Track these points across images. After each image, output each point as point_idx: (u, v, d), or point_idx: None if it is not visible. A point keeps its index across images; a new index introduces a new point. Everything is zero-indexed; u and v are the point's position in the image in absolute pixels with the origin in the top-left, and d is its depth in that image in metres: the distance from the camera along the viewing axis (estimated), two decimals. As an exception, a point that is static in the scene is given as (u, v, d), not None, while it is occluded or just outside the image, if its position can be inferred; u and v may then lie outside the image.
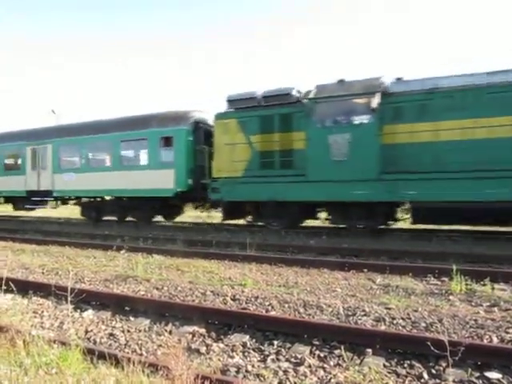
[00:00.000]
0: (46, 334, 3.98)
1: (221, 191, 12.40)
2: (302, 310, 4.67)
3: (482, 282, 5.64)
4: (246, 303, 5.00)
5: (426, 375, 3.19)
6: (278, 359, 3.56)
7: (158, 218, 15.52)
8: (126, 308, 4.98)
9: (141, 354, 3.71)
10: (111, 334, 4.24)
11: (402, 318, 4.30)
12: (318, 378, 3.22)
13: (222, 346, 3.88)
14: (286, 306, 4.83)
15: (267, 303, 4.93)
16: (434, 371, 3.24)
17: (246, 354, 3.71)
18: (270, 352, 3.70)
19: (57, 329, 4.47)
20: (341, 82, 11.08)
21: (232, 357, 3.65)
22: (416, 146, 10.00)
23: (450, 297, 5.19)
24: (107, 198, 15.85)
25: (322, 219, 12.49)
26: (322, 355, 3.58)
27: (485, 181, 9.05)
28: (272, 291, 5.50)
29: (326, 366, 3.40)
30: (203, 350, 3.81)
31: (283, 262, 7.45)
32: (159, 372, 3.05)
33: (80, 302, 4.99)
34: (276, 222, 12.04)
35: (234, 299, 5.18)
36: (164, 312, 4.72)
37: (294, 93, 11.70)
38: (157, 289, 5.80)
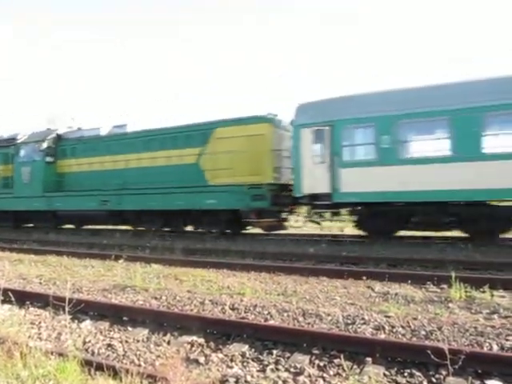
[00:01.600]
0: (44, 346, 3.96)
1: None
2: (301, 319, 4.65)
3: (481, 289, 5.63)
4: (245, 312, 4.97)
5: (426, 384, 3.18)
6: (278, 369, 3.54)
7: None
8: (124, 318, 4.95)
9: (139, 365, 3.68)
10: (109, 345, 4.21)
11: (402, 326, 4.29)
12: (318, 388, 3.19)
13: (220, 355, 3.85)
14: (285, 314, 4.81)
15: (266, 312, 4.91)
16: (434, 380, 3.23)
17: (245, 363, 3.68)
18: (269, 362, 3.68)
19: (54, 340, 4.44)
20: (47, 129, 17.66)
21: (231, 367, 3.63)
22: (70, 174, 16.64)
23: (450, 304, 5.18)
24: None
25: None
26: (321, 364, 3.56)
27: (87, 197, 15.36)
28: (271, 300, 5.48)
29: (325, 375, 3.38)
30: (202, 360, 3.79)
31: (282, 270, 7.42)
32: (158, 383, 3.03)
33: (78, 313, 4.94)
34: (7, 224, 18.26)
35: (232, 308, 5.15)
36: (162, 322, 4.70)
37: (18, 137, 17.73)
38: (155, 298, 5.77)
